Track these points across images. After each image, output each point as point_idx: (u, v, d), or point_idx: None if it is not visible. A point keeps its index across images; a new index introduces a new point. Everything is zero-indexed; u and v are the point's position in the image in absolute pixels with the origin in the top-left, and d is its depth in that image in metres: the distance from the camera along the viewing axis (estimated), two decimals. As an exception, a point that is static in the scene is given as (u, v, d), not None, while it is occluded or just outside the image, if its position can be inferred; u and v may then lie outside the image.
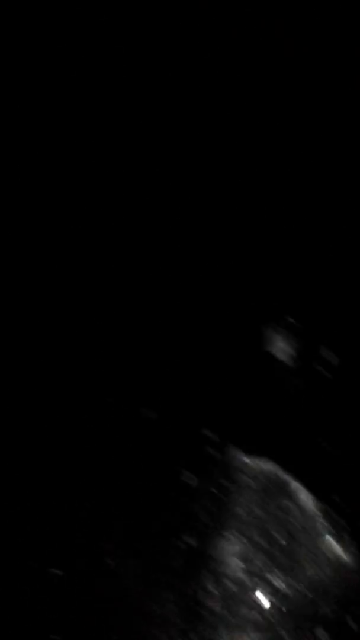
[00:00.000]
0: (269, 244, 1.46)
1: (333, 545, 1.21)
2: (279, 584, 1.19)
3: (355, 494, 1.25)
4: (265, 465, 1.29)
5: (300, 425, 1.34)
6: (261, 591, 1.19)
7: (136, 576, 1.21)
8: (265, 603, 1.19)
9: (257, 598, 1.19)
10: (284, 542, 1.22)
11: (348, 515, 1.24)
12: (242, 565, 1.21)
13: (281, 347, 1.40)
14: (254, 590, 1.19)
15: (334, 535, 1.22)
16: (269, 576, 1.20)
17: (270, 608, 1.18)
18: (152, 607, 1.20)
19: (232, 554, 1.22)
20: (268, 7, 1.43)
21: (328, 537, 1.22)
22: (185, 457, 1.29)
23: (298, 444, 1.32)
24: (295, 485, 1.27)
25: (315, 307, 1.43)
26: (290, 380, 1.37)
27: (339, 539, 1.22)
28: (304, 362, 1.38)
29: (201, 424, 1.32)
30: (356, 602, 1.15)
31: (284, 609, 1.18)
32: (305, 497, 1.26)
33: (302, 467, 1.29)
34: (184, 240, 1.46)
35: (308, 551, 1.21)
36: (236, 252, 1.46)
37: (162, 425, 1.32)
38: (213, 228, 1.48)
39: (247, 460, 1.30)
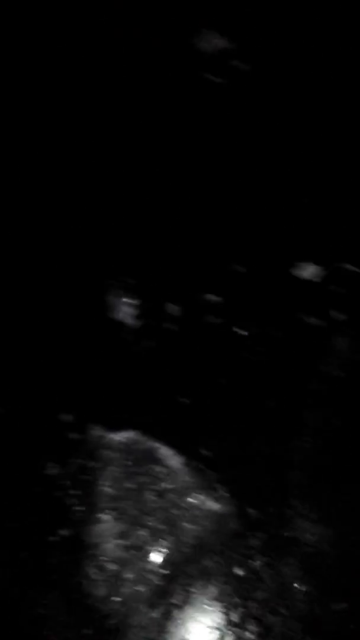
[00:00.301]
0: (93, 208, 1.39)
1: (207, 499, 1.16)
2: (162, 551, 1.14)
3: (221, 444, 1.20)
4: (129, 436, 1.23)
5: (157, 387, 1.28)
6: (146, 564, 1.14)
7: (14, 583, 1.14)
8: (152, 575, 1.13)
9: (143, 572, 1.13)
10: (159, 508, 1.17)
11: (218, 466, 1.19)
12: (122, 542, 1.15)
13: (125, 312, 1.34)
14: (138, 565, 1.14)
15: (207, 489, 1.17)
16: (151, 546, 1.15)
17: (158, 579, 1.13)
18: (38, 611, 1.13)
19: (110, 534, 1.16)
20: None
21: (201, 492, 1.17)
22: (45, 447, 1.22)
23: (158, 407, 1.26)
24: (162, 449, 1.21)
25: (150, 265, 1.37)
26: (138, 342, 1.31)
27: (212, 491, 1.17)
28: (149, 322, 1.33)
29: (55, 409, 1.25)
30: (236, 548, 1.11)
31: (172, 576, 1.12)
32: (174, 459, 1.20)
33: (166, 429, 1.24)
34: (14, 214, 1.38)
35: (184, 510, 1.16)
36: (65, 225, 1.39)
37: (14, 419, 1.24)
38: (47, 201, 1.40)
39: (109, 435, 1.23)
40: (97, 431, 1.24)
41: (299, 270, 1.35)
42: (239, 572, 1.09)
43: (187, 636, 1.08)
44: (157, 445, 1.21)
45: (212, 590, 1.10)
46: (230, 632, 1.06)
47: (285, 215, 1.38)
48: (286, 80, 1.43)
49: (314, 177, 1.39)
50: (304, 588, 1.07)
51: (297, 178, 1.39)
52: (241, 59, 1.43)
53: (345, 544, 1.09)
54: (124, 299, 1.34)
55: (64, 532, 1.16)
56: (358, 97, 1.42)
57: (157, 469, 1.19)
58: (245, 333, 1.29)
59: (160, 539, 1.14)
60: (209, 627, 1.08)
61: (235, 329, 1.30)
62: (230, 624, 1.07)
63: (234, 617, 1.07)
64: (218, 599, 1.09)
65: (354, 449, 1.18)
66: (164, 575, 1.12)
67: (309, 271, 1.34)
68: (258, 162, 1.40)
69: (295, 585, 1.08)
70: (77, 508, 1.18)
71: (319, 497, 1.14)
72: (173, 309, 1.32)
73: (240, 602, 1.08)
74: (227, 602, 1.08)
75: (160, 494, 1.17)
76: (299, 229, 1.37)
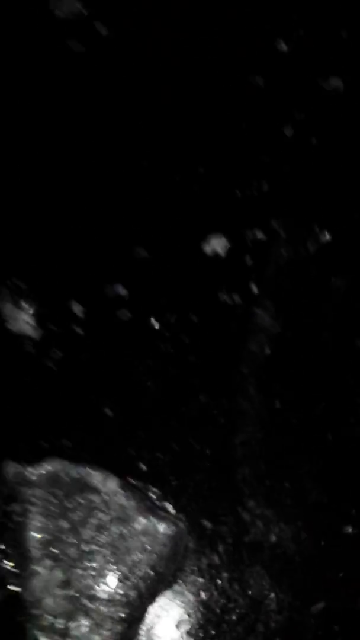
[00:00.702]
0: None
1: (153, 520, 1.03)
2: (114, 593, 1.00)
3: (157, 454, 1.06)
4: (52, 466, 1.07)
5: (74, 402, 1.12)
6: (99, 611, 0.99)
7: None
8: (109, 622, 0.99)
9: (97, 622, 0.99)
10: (102, 544, 1.02)
11: (158, 479, 1.06)
12: (67, 593, 1.00)
13: (23, 320, 1.16)
14: (90, 615, 0.99)
15: (151, 509, 1.04)
16: (100, 590, 1.00)
17: (115, 626, 0.99)
18: None
19: (51, 586, 1.00)
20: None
21: (146, 514, 1.03)
22: None
23: (79, 426, 1.11)
24: (93, 473, 1.06)
25: (42, 262, 1.19)
26: (43, 354, 1.14)
27: (157, 510, 1.04)
28: (52, 328, 1.16)
29: None
30: (197, 569, 0.99)
31: (130, 619, 0.99)
32: (108, 482, 1.05)
33: (93, 450, 1.08)
34: None
35: (131, 540, 1.02)
36: None
37: None
38: None
39: (29, 469, 1.06)
40: (13, 467, 1.07)
41: (203, 245, 1.21)
42: (205, 596, 0.98)
43: None
44: (86, 470, 1.06)
45: (180, 625, 0.97)
46: (207, 666, 0.95)
47: (179, 188, 1.23)
48: (149, 45, 1.26)
49: (198, 144, 1.24)
50: (276, 597, 0.98)
51: (181, 147, 1.24)
52: (101, 23, 1.25)
53: (307, 537, 0.99)
54: (19, 306, 1.16)
55: (-4, 595, 1.00)
56: (227, 61, 1.26)
57: (92, 498, 1.04)
58: (162, 324, 1.15)
59: (109, 580, 1.00)
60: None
61: (150, 321, 1.16)
62: (205, 656, 0.96)
63: (209, 647, 0.96)
64: (189, 633, 0.97)
65: (298, 431, 1.07)
66: (121, 620, 0.98)
67: (213, 245, 1.20)
68: (139, 134, 1.23)
69: (267, 595, 0.98)
70: (7, 563, 1.02)
71: (270, 492, 1.03)
72: (76, 309, 1.15)
73: (213, 630, 0.96)
74: (198, 634, 0.97)
75: (100, 526, 1.03)
76: (196, 202, 1.22)
